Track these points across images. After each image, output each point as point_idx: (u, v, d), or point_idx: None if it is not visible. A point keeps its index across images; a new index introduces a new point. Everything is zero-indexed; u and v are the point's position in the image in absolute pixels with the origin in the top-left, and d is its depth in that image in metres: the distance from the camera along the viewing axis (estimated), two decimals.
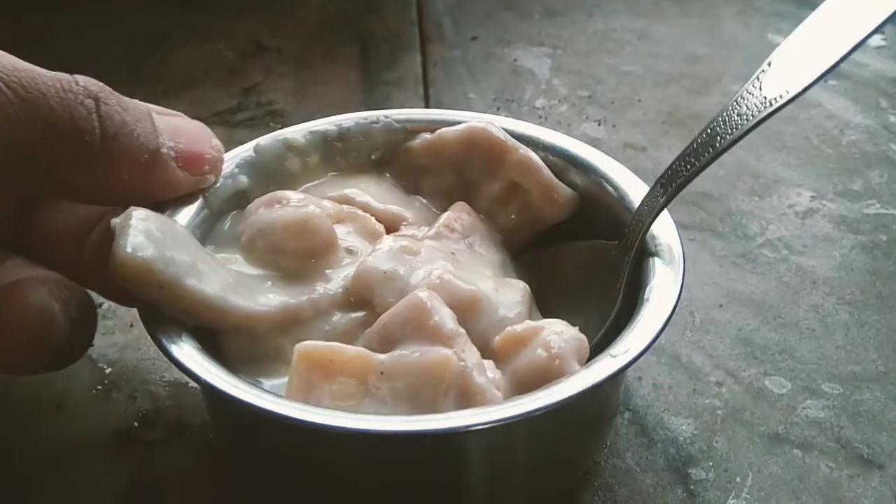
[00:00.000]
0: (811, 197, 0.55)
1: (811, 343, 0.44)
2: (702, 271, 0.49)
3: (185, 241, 0.33)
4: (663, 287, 0.34)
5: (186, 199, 0.37)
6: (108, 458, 0.39)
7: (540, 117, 0.65)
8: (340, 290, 0.35)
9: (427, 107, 0.67)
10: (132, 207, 0.32)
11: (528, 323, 0.34)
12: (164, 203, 0.36)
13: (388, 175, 0.43)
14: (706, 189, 0.56)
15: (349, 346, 0.32)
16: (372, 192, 0.41)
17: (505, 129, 0.42)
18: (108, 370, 0.43)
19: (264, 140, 0.40)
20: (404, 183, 0.42)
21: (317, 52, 0.74)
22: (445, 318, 0.32)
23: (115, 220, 0.32)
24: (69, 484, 0.38)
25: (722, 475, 0.38)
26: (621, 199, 0.40)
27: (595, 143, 0.61)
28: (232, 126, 0.65)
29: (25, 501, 0.37)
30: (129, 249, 0.30)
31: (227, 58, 0.74)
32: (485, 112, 0.65)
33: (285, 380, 0.32)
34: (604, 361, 0.31)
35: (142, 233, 0.31)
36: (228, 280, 0.33)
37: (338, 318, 0.34)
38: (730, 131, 0.36)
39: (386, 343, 0.32)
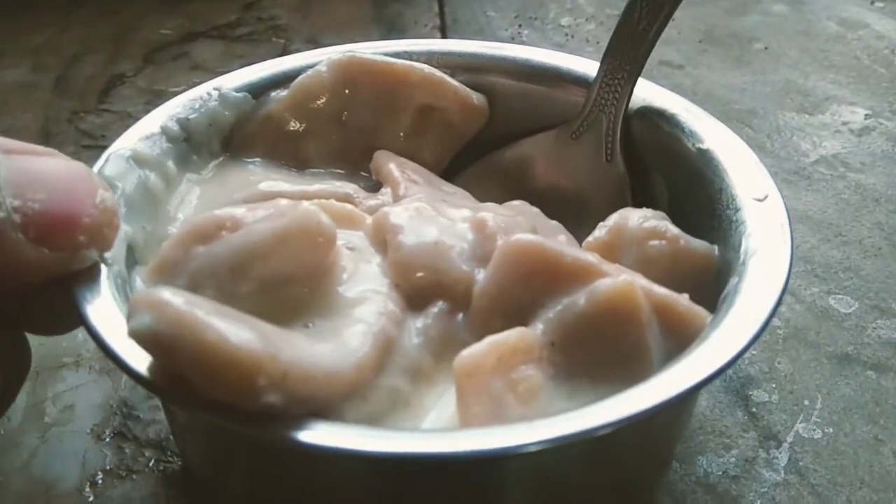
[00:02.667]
0: (866, 115, 0.50)
1: (878, 261, 0.40)
2: None
3: (232, 310, 0.23)
4: (716, 133, 0.31)
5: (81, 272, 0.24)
6: (92, 374, 0.35)
7: (566, 35, 0.59)
8: (384, 288, 0.27)
9: (442, 25, 0.62)
10: (144, 290, 0.22)
11: (601, 225, 0.29)
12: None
13: (257, 160, 0.34)
14: (750, 106, 0.51)
15: (501, 334, 0.24)
16: (282, 179, 0.32)
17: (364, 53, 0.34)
18: None
19: (107, 168, 0.29)
20: (284, 161, 0.34)
21: None
22: (576, 249, 0.26)
23: (143, 322, 0.21)
24: (49, 398, 0.34)
25: (787, 397, 0.34)
26: (549, 81, 0.35)
27: None
28: (231, 41, 0.60)
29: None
30: (234, 342, 0.20)
31: None
32: (507, 31, 0.60)
33: (429, 421, 0.25)
34: (749, 209, 0.27)
35: (215, 315, 0.21)
36: (305, 339, 0.25)
37: (420, 323, 0.26)
38: None
39: (512, 315, 0.25)
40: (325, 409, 0.22)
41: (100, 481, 0.31)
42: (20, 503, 0.30)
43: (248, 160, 0.34)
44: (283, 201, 0.27)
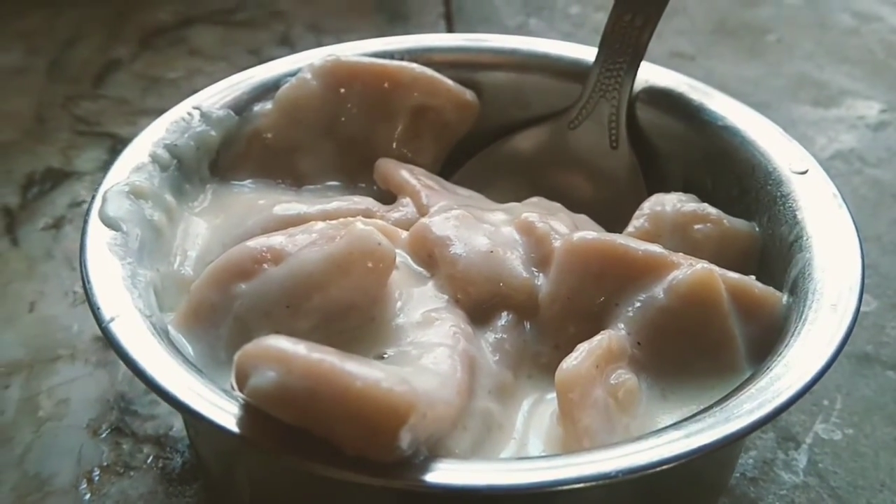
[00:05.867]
0: (882, 109, 0.49)
1: None
2: None
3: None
4: (734, 110, 0.31)
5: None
6: (88, 367, 0.34)
7: (575, 24, 0.58)
8: (445, 306, 0.25)
9: (448, 14, 0.61)
10: (269, 343, 0.19)
11: (638, 214, 0.29)
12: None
13: (248, 182, 0.32)
14: (764, 99, 0.50)
15: (594, 339, 0.23)
16: (292, 200, 0.30)
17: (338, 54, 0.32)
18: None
19: (109, 208, 0.27)
20: (278, 179, 0.32)
21: None
22: (641, 242, 0.25)
23: (268, 379, 0.19)
24: (43, 392, 0.32)
25: (806, 398, 0.32)
26: (538, 70, 0.35)
27: None
28: (230, 26, 0.58)
29: None
30: (386, 387, 0.19)
31: None
32: (514, 20, 0.59)
33: (532, 445, 0.23)
34: (792, 183, 0.27)
35: (348, 359, 0.19)
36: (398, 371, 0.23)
37: (491, 336, 0.25)
38: None
39: (586, 318, 0.25)
40: (435, 446, 0.20)
41: (96, 478, 0.30)
42: (14, 500, 0.29)
43: (240, 182, 0.31)
44: (319, 224, 0.25)
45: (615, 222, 0.30)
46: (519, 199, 0.32)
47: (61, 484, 0.29)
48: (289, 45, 0.56)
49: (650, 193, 0.30)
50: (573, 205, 0.32)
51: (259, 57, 0.52)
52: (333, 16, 0.60)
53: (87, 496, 0.29)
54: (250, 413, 0.20)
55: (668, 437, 0.20)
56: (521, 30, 0.58)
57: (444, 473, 0.19)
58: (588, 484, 0.19)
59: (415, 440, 0.19)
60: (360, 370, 0.19)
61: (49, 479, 0.29)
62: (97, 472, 0.30)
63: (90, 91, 0.51)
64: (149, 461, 0.30)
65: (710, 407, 0.21)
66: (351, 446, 0.18)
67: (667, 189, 0.31)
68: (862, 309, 0.36)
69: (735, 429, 0.20)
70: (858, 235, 0.25)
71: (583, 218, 0.31)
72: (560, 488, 0.19)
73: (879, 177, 0.44)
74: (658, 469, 0.19)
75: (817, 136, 0.47)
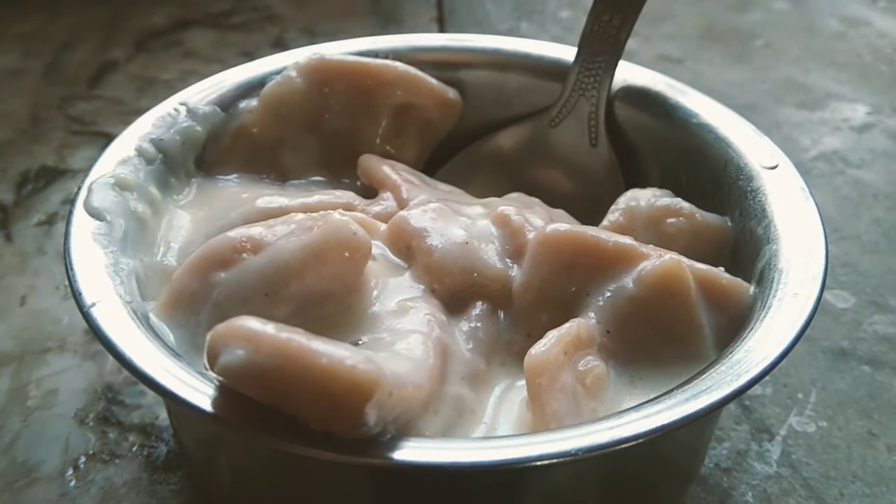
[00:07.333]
0: (867, 112, 0.50)
1: (875, 257, 0.40)
2: None
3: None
4: (708, 107, 0.31)
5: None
6: (76, 358, 0.34)
7: (565, 29, 0.59)
8: (421, 295, 0.26)
9: (440, 17, 0.62)
10: (238, 321, 0.20)
11: (613, 209, 0.29)
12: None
13: (233, 177, 0.32)
14: (750, 101, 0.51)
15: (563, 327, 0.24)
16: (275, 194, 0.31)
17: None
18: None
19: (94, 199, 0.27)
20: (263, 174, 0.32)
21: None
22: (612, 234, 0.26)
23: (237, 357, 0.19)
24: (32, 382, 0.33)
25: (781, 391, 0.33)
26: (519, 69, 0.35)
27: (626, 55, 0.55)
28: (225, 29, 0.59)
29: None
30: (349, 364, 0.19)
31: None
32: (505, 23, 0.60)
33: (501, 427, 0.23)
34: (762, 178, 0.28)
35: (314, 339, 0.20)
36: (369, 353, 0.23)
37: (465, 325, 0.26)
38: None
39: (557, 307, 0.25)
40: (405, 428, 0.21)
41: (82, 465, 0.30)
42: (2, 486, 0.29)
43: (225, 177, 0.32)
44: (299, 216, 0.26)
45: (594, 217, 0.31)
46: (501, 196, 0.32)
47: (48, 471, 0.30)
48: (282, 48, 0.56)
49: (628, 189, 0.31)
50: (553, 200, 0.32)
51: (253, 59, 0.53)
52: (327, 19, 0.60)
53: (73, 483, 0.30)
54: (223, 394, 0.20)
55: (628, 417, 0.20)
56: (512, 33, 0.58)
57: (409, 451, 0.20)
58: (549, 462, 0.19)
59: (381, 419, 0.19)
60: (325, 348, 0.19)
61: (36, 466, 0.30)
62: (83, 460, 0.30)
63: (85, 92, 0.52)
64: (134, 449, 0.31)
65: (672, 390, 0.21)
66: (317, 422, 0.19)
67: (645, 184, 0.31)
68: (840, 305, 0.37)
69: (692, 410, 0.20)
70: (824, 227, 0.26)
71: (560, 212, 0.31)
72: (521, 466, 0.19)
73: (861, 177, 0.45)
74: (617, 448, 0.19)
75: (801, 137, 0.48)
